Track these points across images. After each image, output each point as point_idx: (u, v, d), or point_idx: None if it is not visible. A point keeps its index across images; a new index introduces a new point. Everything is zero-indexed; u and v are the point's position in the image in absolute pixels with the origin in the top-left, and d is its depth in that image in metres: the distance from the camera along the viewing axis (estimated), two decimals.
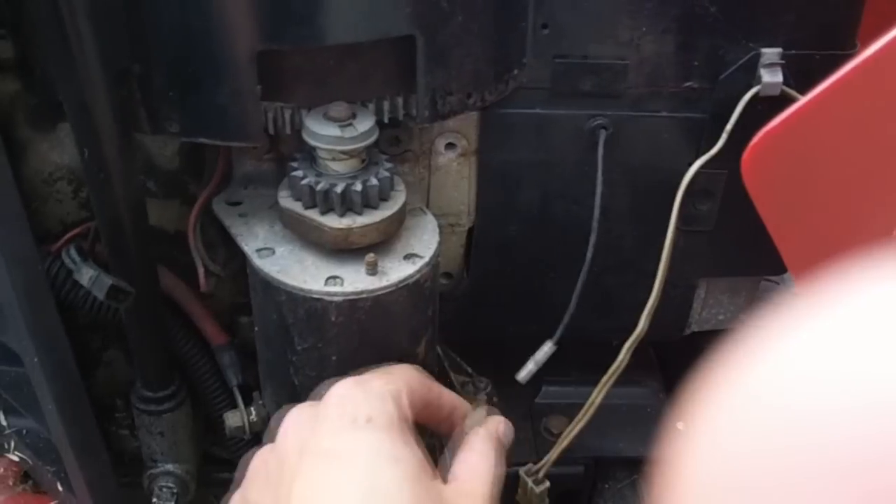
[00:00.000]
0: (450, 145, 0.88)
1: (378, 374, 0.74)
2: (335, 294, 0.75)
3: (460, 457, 0.75)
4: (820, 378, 0.25)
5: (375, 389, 0.69)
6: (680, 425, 0.30)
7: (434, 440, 0.82)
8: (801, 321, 0.27)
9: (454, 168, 0.90)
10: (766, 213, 0.76)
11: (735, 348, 0.29)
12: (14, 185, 0.65)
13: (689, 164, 0.85)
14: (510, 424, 0.82)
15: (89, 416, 0.75)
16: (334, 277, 0.76)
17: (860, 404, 0.24)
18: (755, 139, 0.73)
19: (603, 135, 0.85)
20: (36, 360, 0.69)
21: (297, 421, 0.70)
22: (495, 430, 0.79)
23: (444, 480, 0.70)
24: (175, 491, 0.95)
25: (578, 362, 1.00)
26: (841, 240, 0.73)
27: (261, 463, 0.71)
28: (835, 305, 0.27)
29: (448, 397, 0.79)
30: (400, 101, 0.78)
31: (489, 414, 0.82)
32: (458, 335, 0.98)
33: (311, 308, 0.76)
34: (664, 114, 0.86)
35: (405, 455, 0.65)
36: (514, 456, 0.97)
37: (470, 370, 1.04)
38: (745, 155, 0.74)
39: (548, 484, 0.91)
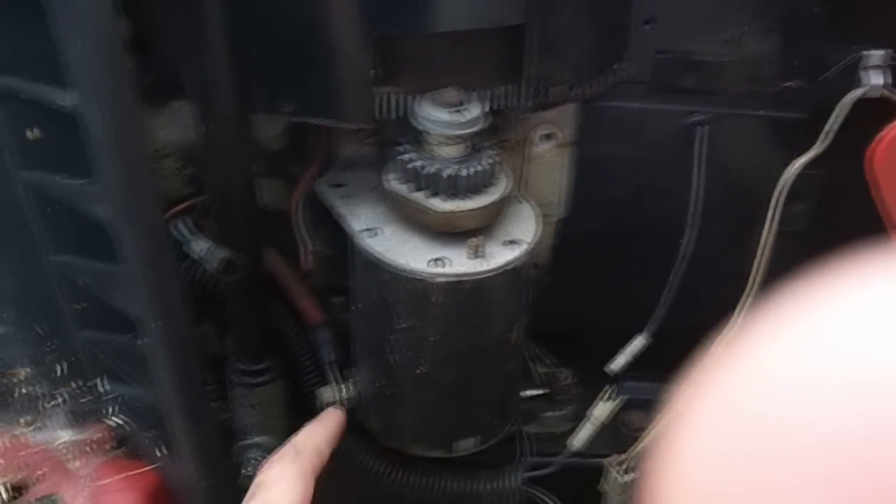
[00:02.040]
0: (546, 136, 0.90)
1: None
2: (438, 275, 0.77)
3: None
4: (809, 379, 0.26)
5: None
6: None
7: None
8: (793, 321, 0.28)
9: (549, 159, 0.91)
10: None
11: (726, 349, 0.30)
12: (145, 150, 0.68)
13: (784, 165, 0.86)
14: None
15: (200, 382, 0.77)
16: (437, 259, 0.78)
17: (851, 404, 0.24)
18: (888, 132, 0.74)
19: (701, 131, 0.86)
20: (160, 323, 0.71)
21: None
22: (307, 448, 0.84)
23: None
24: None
25: (658, 358, 1.01)
26: None
27: None
28: (827, 304, 0.27)
29: (316, 459, 0.84)
30: (504, 89, 0.79)
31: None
32: (542, 326, 1.00)
33: (413, 288, 0.78)
34: (762, 113, 0.87)
35: None
36: (595, 448, 0.99)
37: (551, 361, 1.05)
38: (879, 147, 0.75)
39: (634, 475, 0.92)
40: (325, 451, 0.84)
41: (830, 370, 0.25)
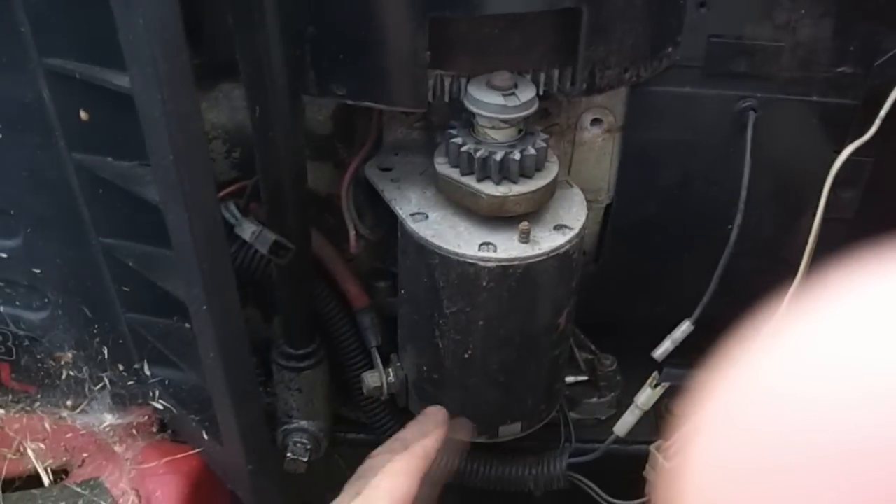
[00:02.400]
0: (596, 121, 0.89)
1: (360, 500, 0.76)
2: (488, 259, 0.77)
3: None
4: (825, 372, 0.25)
5: None
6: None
7: None
8: (808, 317, 0.27)
9: (598, 144, 0.90)
10: None
11: (743, 344, 0.29)
12: (203, 132, 0.68)
13: (835, 151, 0.85)
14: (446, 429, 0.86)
15: (250, 366, 0.77)
16: (487, 244, 0.78)
17: (865, 397, 0.24)
18: None
19: (752, 117, 0.85)
20: (205, 307, 0.71)
21: None
22: (420, 449, 0.82)
23: None
24: (308, 447, 0.97)
25: (701, 345, 1.00)
26: None
27: None
28: (841, 300, 0.27)
29: (423, 458, 0.82)
30: (557, 73, 0.79)
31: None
32: (585, 312, 0.99)
33: (463, 272, 0.77)
34: (815, 98, 0.86)
35: None
36: (638, 435, 0.99)
37: (594, 347, 1.05)
38: None
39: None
40: (432, 450, 0.83)
41: (862, 375, 0.25)
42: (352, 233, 0.87)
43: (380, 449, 0.84)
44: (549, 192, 0.80)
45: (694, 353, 1.04)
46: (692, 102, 0.87)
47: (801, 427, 0.25)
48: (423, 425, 0.87)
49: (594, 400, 1.03)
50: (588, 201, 0.93)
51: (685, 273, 0.95)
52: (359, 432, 1.05)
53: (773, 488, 0.25)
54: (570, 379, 1.02)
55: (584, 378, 1.03)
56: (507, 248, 0.77)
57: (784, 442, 0.25)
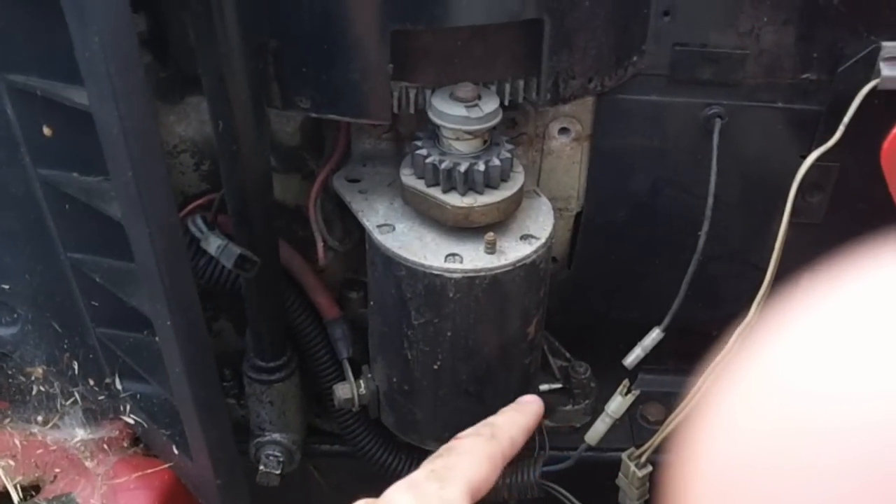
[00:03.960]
0: (563, 130, 0.89)
1: (433, 477, 0.74)
2: (454, 271, 0.77)
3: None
4: (832, 368, 0.26)
5: (429, 496, 0.71)
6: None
7: None
8: (812, 313, 0.27)
9: (566, 152, 0.91)
10: None
11: (746, 346, 0.29)
12: (162, 151, 0.68)
13: (802, 157, 0.85)
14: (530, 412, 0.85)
15: (215, 380, 0.77)
16: (453, 255, 0.78)
17: (874, 391, 0.24)
18: None
19: (718, 123, 0.85)
20: (169, 323, 0.71)
21: None
22: (508, 438, 0.81)
23: None
24: (281, 459, 0.97)
25: (675, 351, 1.00)
26: None
27: None
28: (845, 297, 0.27)
29: (509, 448, 0.81)
30: (521, 83, 0.79)
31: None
32: (559, 319, 0.99)
33: (430, 283, 0.77)
34: (780, 105, 0.86)
35: None
36: (612, 442, 0.99)
37: (568, 355, 1.05)
38: (888, 142, 0.74)
39: (650, 468, 0.92)
40: (519, 441, 0.82)
41: (851, 370, 0.25)
42: (320, 244, 0.87)
43: (468, 431, 0.82)
44: (514, 203, 0.80)
45: (668, 359, 1.05)
46: (659, 110, 0.87)
47: (808, 422, 0.25)
48: (517, 413, 0.85)
49: (569, 407, 1.03)
50: (558, 209, 0.93)
51: (657, 279, 0.95)
52: (333, 443, 1.05)
53: (779, 482, 0.25)
54: (544, 387, 1.01)
55: (559, 386, 1.03)
56: (474, 258, 0.78)
57: (792, 436, 0.25)
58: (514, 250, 0.79)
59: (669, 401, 1.03)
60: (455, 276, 0.77)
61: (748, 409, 0.28)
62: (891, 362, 0.24)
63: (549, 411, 1.03)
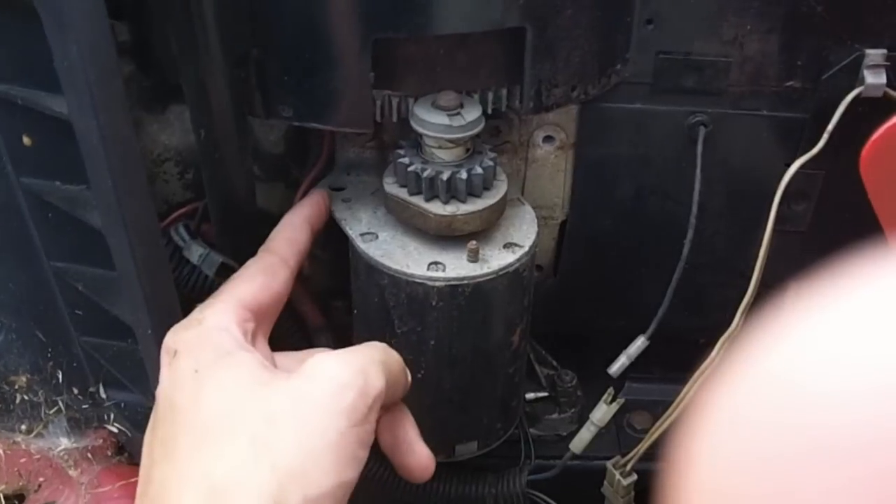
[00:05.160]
0: (548, 138, 0.89)
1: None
2: (437, 279, 0.77)
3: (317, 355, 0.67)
4: (834, 366, 0.25)
5: (189, 318, 0.71)
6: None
7: None
8: (814, 312, 0.27)
9: (551, 161, 0.91)
10: (882, 209, 0.76)
11: (735, 351, 0.29)
12: (141, 158, 0.68)
13: (787, 164, 0.85)
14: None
15: None
16: (436, 263, 0.78)
17: (876, 390, 0.24)
18: (877, 133, 0.73)
19: (702, 132, 0.86)
20: (150, 332, 0.71)
21: None
22: (274, 242, 0.79)
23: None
24: None
25: (662, 359, 1.00)
26: None
27: None
28: (836, 304, 0.27)
29: (286, 248, 0.79)
30: (505, 92, 0.79)
31: None
32: (545, 328, 0.99)
33: (412, 292, 0.77)
34: (764, 112, 0.87)
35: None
36: (599, 450, 0.99)
37: (555, 363, 1.05)
38: (866, 150, 0.74)
39: (635, 477, 0.92)
40: (302, 237, 0.80)
41: (844, 372, 0.25)
42: None
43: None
44: (497, 211, 0.80)
45: (654, 367, 1.05)
46: (643, 118, 0.87)
47: (810, 421, 0.25)
48: (287, 216, 0.83)
49: (555, 416, 1.03)
50: (543, 217, 0.93)
51: (643, 286, 0.95)
52: None
53: (781, 482, 0.25)
54: (530, 395, 1.02)
55: (545, 394, 1.03)
56: (456, 267, 0.77)
57: (793, 436, 0.25)
58: (497, 259, 0.79)
59: (657, 409, 1.03)
60: (437, 284, 0.77)
61: (743, 413, 0.28)
62: (887, 364, 0.24)
63: (535, 420, 1.03)
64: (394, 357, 0.70)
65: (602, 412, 0.91)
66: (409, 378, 0.74)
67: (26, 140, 0.74)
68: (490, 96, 0.79)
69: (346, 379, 0.63)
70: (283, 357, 0.74)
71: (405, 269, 0.77)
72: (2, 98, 0.73)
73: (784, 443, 0.25)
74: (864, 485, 0.23)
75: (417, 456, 0.74)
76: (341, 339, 0.96)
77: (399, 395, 0.73)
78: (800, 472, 0.24)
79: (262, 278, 0.74)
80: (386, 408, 0.72)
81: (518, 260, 0.79)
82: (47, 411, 0.92)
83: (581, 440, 0.94)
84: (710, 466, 0.28)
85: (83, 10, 0.57)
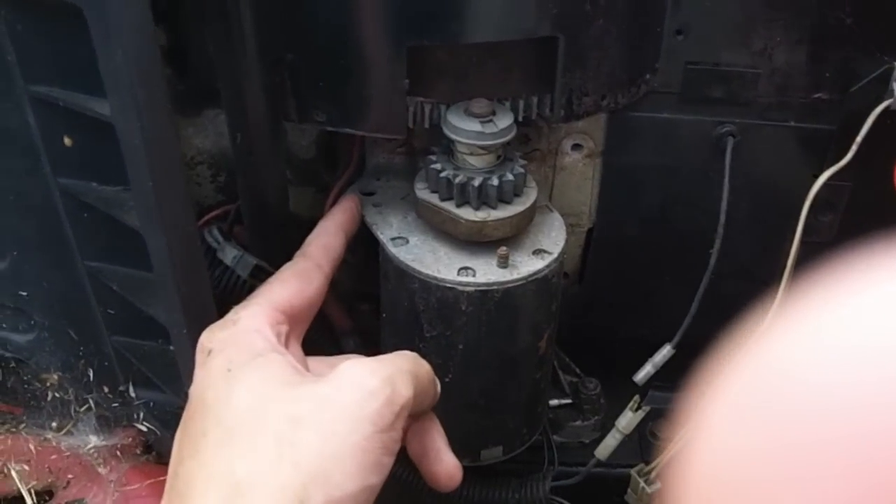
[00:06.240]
0: (576, 146, 0.90)
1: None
2: (467, 284, 0.77)
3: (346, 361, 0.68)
4: (837, 358, 0.26)
5: (225, 319, 0.72)
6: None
7: None
8: (817, 306, 0.28)
9: (579, 169, 0.91)
10: None
11: (740, 351, 0.30)
12: (180, 158, 0.69)
13: (814, 176, 0.85)
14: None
15: None
16: (466, 268, 0.79)
17: (878, 382, 0.24)
18: None
19: (730, 142, 0.86)
20: (185, 332, 0.72)
21: None
22: (311, 247, 0.80)
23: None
24: None
25: (685, 368, 1.01)
26: None
27: None
28: (841, 304, 0.27)
29: (321, 255, 0.79)
30: (535, 100, 0.80)
31: None
32: (570, 335, 1.00)
33: (443, 296, 0.78)
34: (792, 124, 0.87)
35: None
36: (622, 458, 0.99)
37: (578, 370, 1.05)
38: None
39: (659, 485, 0.92)
40: (336, 243, 0.81)
41: (846, 365, 0.26)
42: None
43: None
44: (527, 218, 0.81)
45: (678, 376, 1.05)
46: (671, 128, 0.88)
47: (813, 414, 0.25)
48: (324, 222, 0.84)
49: (578, 423, 1.04)
50: (570, 225, 0.94)
51: (668, 295, 0.96)
52: None
53: (782, 478, 0.25)
54: (553, 402, 1.02)
55: (568, 401, 1.04)
56: (486, 272, 0.78)
57: (795, 429, 0.25)
58: (527, 265, 0.79)
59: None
60: (468, 289, 0.78)
61: (744, 406, 0.28)
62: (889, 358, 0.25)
63: (558, 427, 1.04)
64: (423, 367, 0.71)
65: (628, 419, 0.92)
66: (439, 388, 0.74)
67: (67, 141, 0.75)
68: (521, 104, 0.80)
69: (374, 386, 0.64)
70: (316, 361, 0.75)
71: (436, 274, 0.78)
72: (43, 99, 0.74)
73: (785, 435, 0.26)
74: (864, 477, 0.24)
75: (445, 465, 0.75)
76: (367, 342, 0.97)
77: (428, 405, 0.74)
78: (801, 463, 0.25)
79: (297, 283, 0.76)
80: (415, 416, 0.72)
81: (547, 266, 0.80)
82: (77, 409, 0.94)
83: (606, 447, 0.94)
84: (712, 458, 0.28)
85: (130, 16, 0.58)
